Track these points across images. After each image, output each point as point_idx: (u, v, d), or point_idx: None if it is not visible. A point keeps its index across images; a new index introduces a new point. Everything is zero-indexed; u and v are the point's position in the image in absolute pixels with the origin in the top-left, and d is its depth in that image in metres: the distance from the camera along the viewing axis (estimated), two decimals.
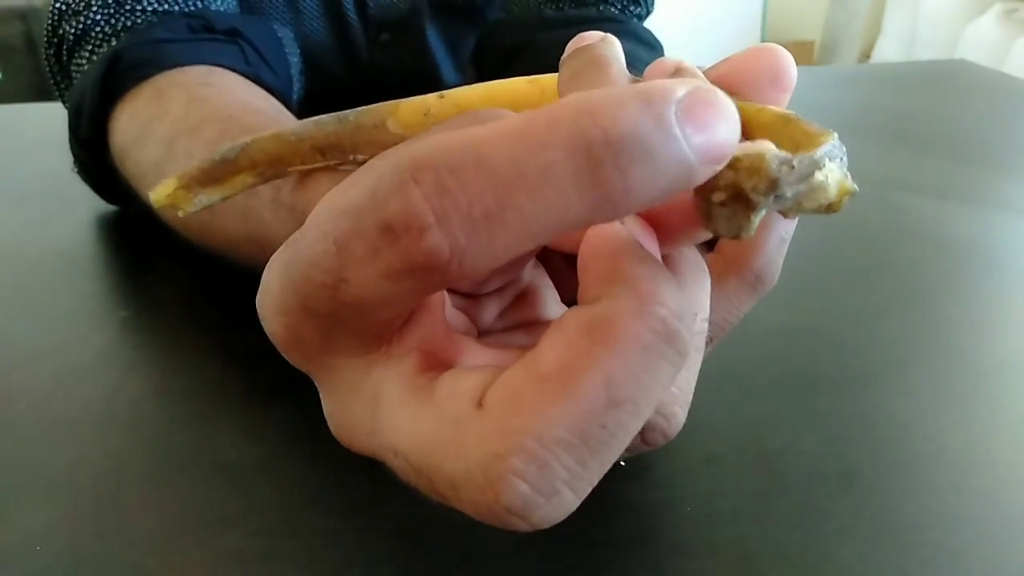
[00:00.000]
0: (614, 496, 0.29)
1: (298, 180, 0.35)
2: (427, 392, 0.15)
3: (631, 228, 0.15)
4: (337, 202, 0.14)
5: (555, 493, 0.13)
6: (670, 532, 0.28)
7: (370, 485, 0.29)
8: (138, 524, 0.27)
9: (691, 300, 0.17)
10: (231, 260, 0.38)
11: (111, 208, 0.51)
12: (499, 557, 0.26)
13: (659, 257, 0.15)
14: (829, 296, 0.43)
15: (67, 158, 0.49)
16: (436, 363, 0.16)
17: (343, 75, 0.64)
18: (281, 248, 0.15)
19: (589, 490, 0.14)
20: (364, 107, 0.25)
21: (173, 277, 0.44)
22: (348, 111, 0.25)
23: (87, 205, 0.51)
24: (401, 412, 0.15)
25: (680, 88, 0.13)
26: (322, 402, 0.17)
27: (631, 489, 0.29)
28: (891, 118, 0.73)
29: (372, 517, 0.28)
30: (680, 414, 0.17)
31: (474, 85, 0.23)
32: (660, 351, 0.14)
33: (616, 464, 0.30)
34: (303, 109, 0.55)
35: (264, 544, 0.27)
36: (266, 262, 0.39)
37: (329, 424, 0.17)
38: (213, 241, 0.38)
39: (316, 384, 0.17)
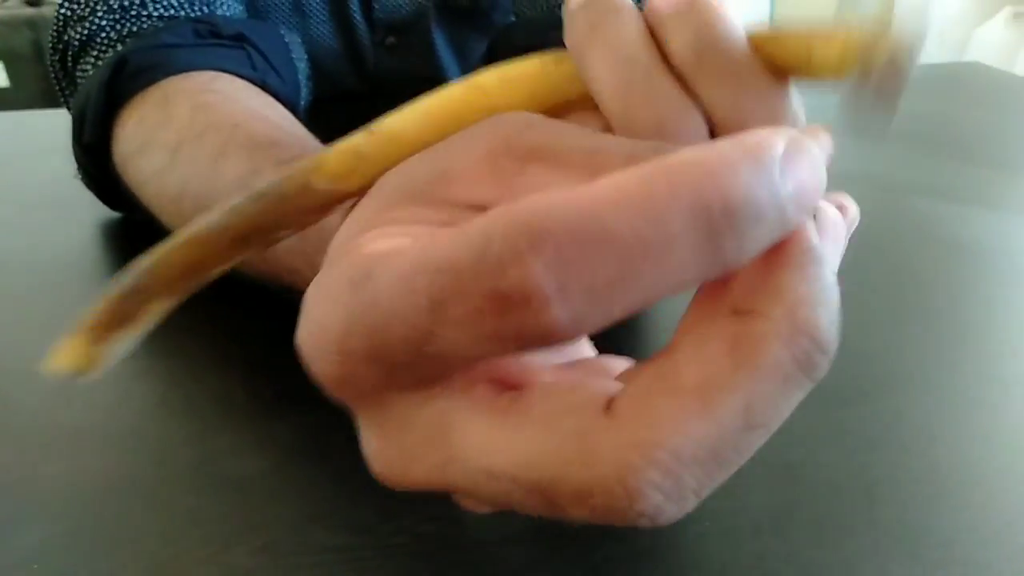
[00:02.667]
0: None
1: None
2: (519, 411, 0.15)
3: (815, 234, 0.15)
4: (430, 257, 0.13)
5: (683, 500, 0.14)
6: (689, 548, 0.27)
7: (379, 500, 0.28)
8: (140, 541, 0.27)
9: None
10: (235, 269, 0.37)
11: (116, 215, 0.51)
12: (513, 574, 0.25)
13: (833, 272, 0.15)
14: (850, 304, 0.42)
15: (70, 166, 0.48)
16: (508, 387, 0.16)
17: (350, 80, 0.63)
18: (342, 288, 0.15)
19: (700, 498, 0.14)
20: (277, 177, 0.21)
21: None
22: (261, 186, 0.21)
23: (92, 212, 0.51)
24: (497, 433, 0.15)
25: (779, 141, 0.13)
26: (364, 441, 0.17)
27: None
28: (907, 121, 0.72)
29: (381, 533, 0.27)
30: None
31: (406, 107, 0.21)
32: (799, 382, 0.14)
33: None
34: (311, 115, 0.55)
35: (270, 561, 0.26)
36: (268, 274, 0.38)
37: (373, 464, 0.17)
38: None
39: (359, 420, 0.17)
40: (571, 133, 0.17)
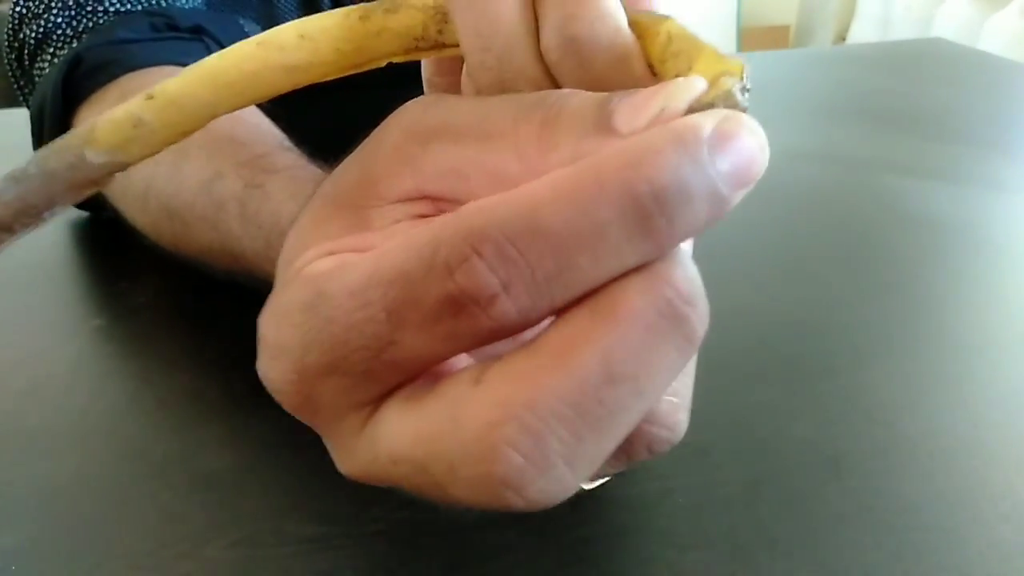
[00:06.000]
0: (604, 490, 0.28)
1: (262, 195, 0.34)
2: (419, 398, 0.15)
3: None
4: (382, 269, 0.14)
5: (550, 467, 0.13)
6: (662, 525, 0.27)
7: (354, 490, 0.28)
8: (116, 538, 0.27)
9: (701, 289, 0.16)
10: (206, 267, 0.37)
11: (81, 214, 0.50)
12: (487, 559, 0.26)
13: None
14: (814, 281, 0.43)
15: None
16: (434, 379, 0.16)
17: None
18: (294, 310, 0.15)
19: (589, 471, 0.14)
20: (44, 150, 0.19)
21: (146, 284, 0.43)
22: (25, 164, 0.19)
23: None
24: (401, 420, 0.15)
25: (707, 123, 0.13)
26: (328, 448, 0.17)
27: (621, 483, 0.28)
28: (868, 99, 0.73)
29: (357, 522, 0.27)
30: (683, 422, 0.17)
31: (191, 67, 0.19)
32: (664, 333, 0.13)
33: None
34: (280, 107, 0.54)
35: (247, 554, 0.26)
36: (239, 272, 0.38)
37: (340, 469, 0.17)
38: (187, 250, 0.38)
39: (320, 434, 0.17)
40: (461, 106, 0.17)
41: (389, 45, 0.19)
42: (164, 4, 0.47)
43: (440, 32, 0.19)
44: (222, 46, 0.51)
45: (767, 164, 0.14)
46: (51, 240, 0.48)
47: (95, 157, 0.19)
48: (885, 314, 0.39)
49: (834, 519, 0.27)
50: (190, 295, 0.41)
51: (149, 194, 0.37)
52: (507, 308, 0.13)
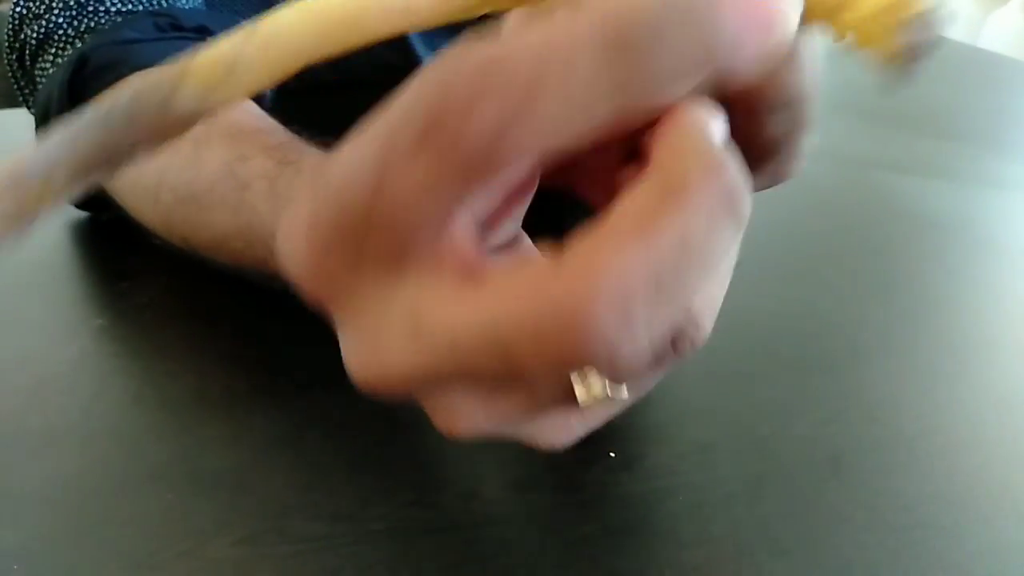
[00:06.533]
0: (605, 488, 0.28)
1: (295, 171, 0.34)
2: (479, 281, 0.16)
3: (703, 111, 0.16)
4: (371, 128, 0.15)
5: (636, 338, 0.14)
6: (663, 523, 0.27)
7: (355, 489, 0.28)
8: (118, 537, 0.27)
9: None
10: (211, 258, 0.37)
11: (81, 215, 0.50)
12: (489, 557, 0.26)
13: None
14: (814, 279, 0.43)
15: None
16: (474, 268, 0.17)
17: (323, 71, 0.63)
18: (303, 187, 0.16)
19: (655, 349, 0.15)
20: (128, 86, 0.18)
21: (148, 283, 0.43)
22: (105, 102, 0.18)
23: (58, 212, 0.50)
24: (459, 303, 0.15)
25: None
26: (343, 347, 0.17)
27: (622, 481, 0.29)
28: (868, 96, 0.73)
29: (359, 520, 0.27)
30: (708, 324, 0.18)
31: (294, 4, 0.18)
32: (724, 215, 0.14)
33: (607, 453, 0.29)
34: (282, 107, 0.54)
35: (249, 553, 0.26)
36: (253, 257, 0.38)
37: (352, 366, 0.17)
38: (199, 240, 0.37)
39: (338, 325, 0.17)
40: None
41: None
42: (165, 4, 0.48)
43: None
44: None
45: (788, 29, 0.14)
46: (52, 241, 0.48)
47: (186, 97, 0.18)
48: (885, 312, 0.39)
49: (834, 517, 0.27)
50: (192, 295, 0.41)
51: (162, 186, 0.37)
52: (480, 125, 0.13)
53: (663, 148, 0.15)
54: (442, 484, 0.29)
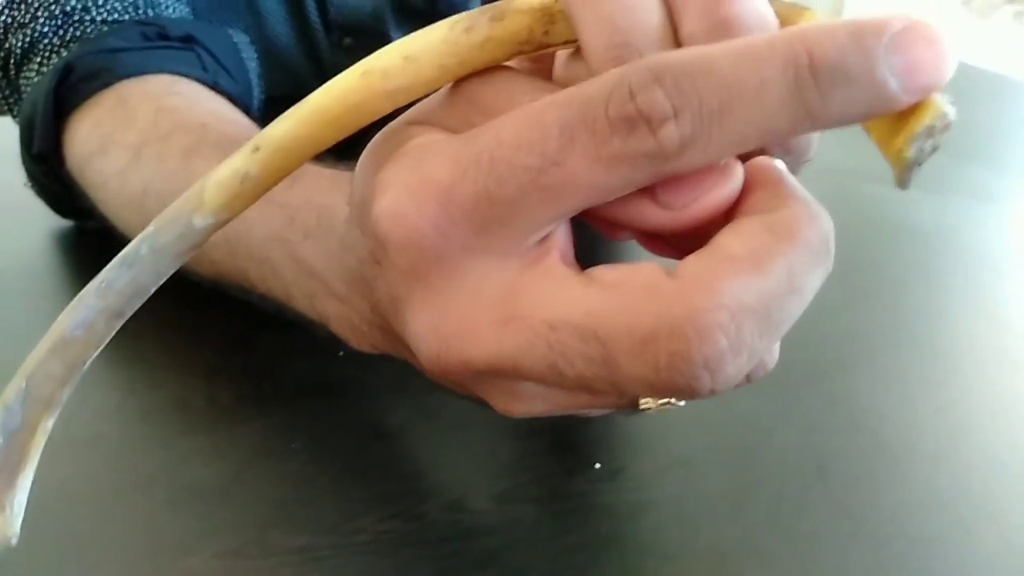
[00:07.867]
0: (588, 499, 0.28)
1: (290, 182, 0.34)
2: (588, 276, 0.16)
3: (778, 160, 0.18)
4: (556, 98, 0.16)
5: (740, 357, 0.15)
6: (646, 535, 0.27)
7: (339, 501, 0.28)
8: (99, 550, 0.26)
9: None
10: (194, 269, 0.37)
11: (67, 223, 0.50)
12: (473, 568, 0.26)
13: None
14: None
15: (20, 173, 0.48)
16: (574, 264, 0.17)
17: (308, 80, 0.63)
18: (447, 142, 0.17)
19: (749, 369, 0.16)
20: (152, 227, 0.19)
21: None
22: (134, 245, 0.19)
23: (43, 220, 0.50)
24: (565, 291, 0.16)
25: (897, 22, 0.14)
26: (418, 323, 0.18)
27: (605, 492, 0.28)
28: None
29: (342, 533, 0.27)
30: (775, 359, 0.20)
31: (293, 109, 0.19)
32: (821, 258, 0.16)
33: (591, 464, 0.29)
34: (264, 115, 0.54)
35: (231, 566, 0.26)
36: (234, 267, 0.37)
37: (429, 342, 0.18)
38: None
39: (417, 299, 0.18)
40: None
41: (492, 54, 0.18)
42: (152, 13, 0.47)
43: (546, 33, 0.18)
44: (212, 55, 0.50)
45: (949, 75, 0.15)
46: (35, 248, 0.48)
47: (202, 221, 0.19)
48: (869, 322, 0.39)
49: (818, 528, 0.27)
50: (175, 305, 0.41)
51: (148, 195, 0.37)
52: (672, 133, 0.15)
53: (764, 192, 0.17)
54: (426, 495, 0.28)
